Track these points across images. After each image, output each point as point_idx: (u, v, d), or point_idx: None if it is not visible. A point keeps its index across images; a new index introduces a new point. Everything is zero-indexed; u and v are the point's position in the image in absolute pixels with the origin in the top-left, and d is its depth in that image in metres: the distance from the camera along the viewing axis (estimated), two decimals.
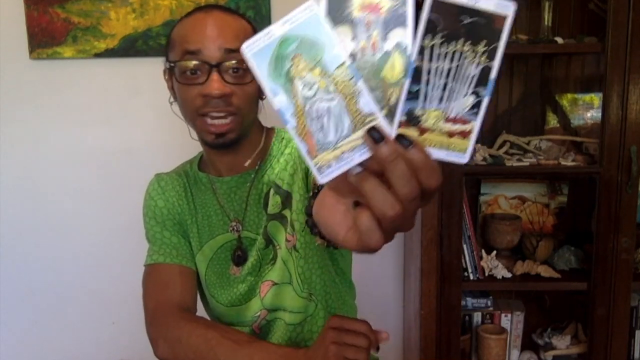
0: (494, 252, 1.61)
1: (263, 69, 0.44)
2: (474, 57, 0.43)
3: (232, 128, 0.95)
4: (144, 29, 1.72)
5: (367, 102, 0.44)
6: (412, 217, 0.45)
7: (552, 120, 1.73)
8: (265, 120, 1.08)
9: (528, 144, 1.62)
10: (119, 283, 1.85)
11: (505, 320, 1.69)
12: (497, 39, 0.43)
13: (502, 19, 0.42)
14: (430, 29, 0.42)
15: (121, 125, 1.81)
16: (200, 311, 1.09)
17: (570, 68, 1.72)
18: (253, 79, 0.91)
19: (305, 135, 0.45)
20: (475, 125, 0.44)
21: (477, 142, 1.59)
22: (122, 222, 1.83)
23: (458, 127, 0.44)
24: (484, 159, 1.54)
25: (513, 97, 1.74)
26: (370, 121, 0.44)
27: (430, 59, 0.43)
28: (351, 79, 0.44)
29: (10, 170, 1.83)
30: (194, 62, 0.91)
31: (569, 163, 1.52)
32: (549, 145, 1.60)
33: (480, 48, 0.43)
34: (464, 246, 1.54)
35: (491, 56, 0.43)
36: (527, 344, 1.74)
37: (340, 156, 0.45)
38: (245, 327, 1.06)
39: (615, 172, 1.44)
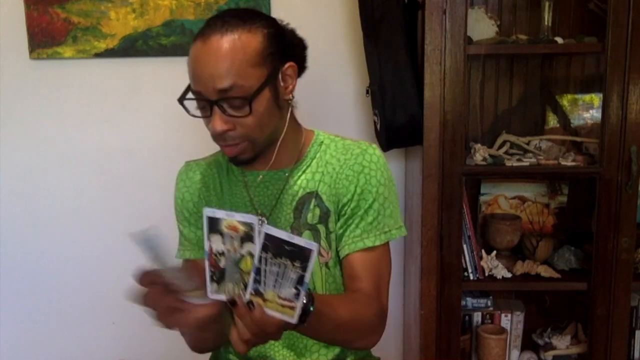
0: (494, 252, 1.61)
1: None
2: (293, 267, 0.69)
3: (244, 151, 0.97)
4: (144, 29, 1.72)
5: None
6: (273, 337, 0.77)
7: (552, 120, 1.73)
8: (303, 120, 1.09)
9: (528, 144, 1.62)
10: (119, 283, 1.84)
11: (505, 320, 1.69)
12: (307, 261, 0.69)
13: (309, 250, 0.68)
14: (265, 248, 0.70)
15: (121, 125, 1.81)
16: None
17: (570, 68, 1.72)
18: (253, 109, 0.92)
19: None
20: (298, 303, 0.71)
21: (476, 142, 1.59)
22: (122, 222, 1.83)
23: (286, 302, 0.71)
24: (484, 159, 1.54)
25: (513, 97, 1.74)
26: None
27: (266, 264, 0.70)
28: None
29: (10, 170, 1.83)
30: (199, 101, 0.95)
31: (569, 163, 1.52)
32: (549, 145, 1.60)
33: (296, 264, 0.69)
34: (464, 246, 1.54)
35: (304, 269, 0.69)
36: (527, 344, 1.74)
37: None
38: None
39: (615, 172, 1.44)
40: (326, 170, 1.04)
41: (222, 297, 0.76)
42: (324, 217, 1.03)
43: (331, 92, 1.77)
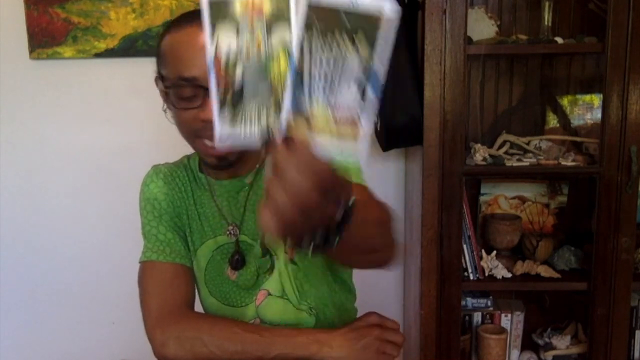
0: (494, 252, 1.61)
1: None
2: (355, 51, 0.44)
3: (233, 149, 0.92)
4: (144, 29, 1.72)
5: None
6: (333, 208, 0.49)
7: (552, 120, 1.73)
8: None
9: (528, 144, 1.62)
10: (118, 283, 1.85)
11: (505, 320, 1.69)
12: (377, 36, 0.44)
13: (384, 20, 0.44)
14: (309, 24, 0.44)
15: (121, 125, 1.81)
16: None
17: (570, 68, 1.72)
18: None
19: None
20: (366, 125, 0.46)
21: (476, 142, 1.59)
22: (122, 222, 1.83)
23: (348, 128, 0.46)
24: (484, 159, 1.54)
25: (513, 97, 1.74)
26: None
27: (310, 51, 0.45)
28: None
29: (10, 170, 1.83)
30: (190, 89, 0.88)
31: (569, 163, 1.52)
32: (549, 145, 1.60)
33: (360, 41, 0.44)
34: (464, 246, 1.54)
35: (373, 55, 0.44)
36: (527, 344, 1.74)
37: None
38: None
39: (615, 172, 1.44)
40: None
41: (242, 136, 0.48)
42: None
43: None
